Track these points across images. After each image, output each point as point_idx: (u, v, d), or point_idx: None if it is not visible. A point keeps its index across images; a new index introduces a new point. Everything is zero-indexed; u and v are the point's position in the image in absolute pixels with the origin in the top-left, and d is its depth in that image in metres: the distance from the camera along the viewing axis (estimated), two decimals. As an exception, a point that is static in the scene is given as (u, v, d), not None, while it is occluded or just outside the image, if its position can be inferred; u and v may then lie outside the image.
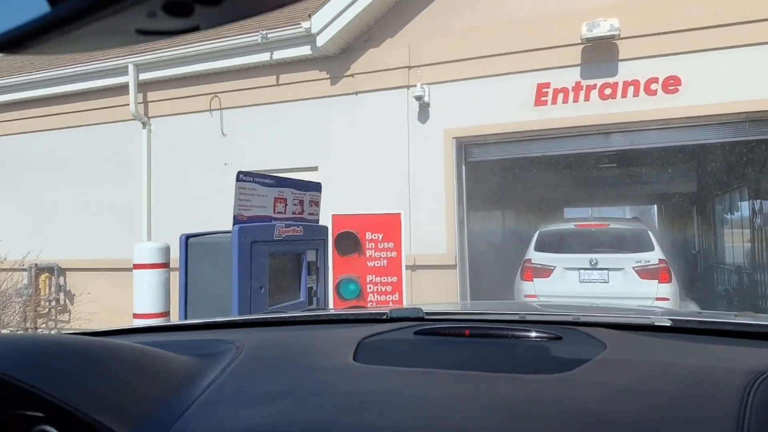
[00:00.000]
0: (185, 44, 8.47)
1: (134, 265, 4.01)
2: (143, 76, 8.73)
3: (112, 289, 8.50)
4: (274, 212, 3.48)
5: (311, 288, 3.68)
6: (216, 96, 8.49)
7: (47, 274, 9.43)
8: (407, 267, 7.25)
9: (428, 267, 7.29)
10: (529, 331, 1.25)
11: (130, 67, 8.64)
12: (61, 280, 9.52)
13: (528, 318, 1.48)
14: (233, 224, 3.06)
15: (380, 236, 5.40)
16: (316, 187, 4.07)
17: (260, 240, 3.13)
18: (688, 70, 6.39)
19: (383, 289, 5.39)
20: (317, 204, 4.03)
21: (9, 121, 9.91)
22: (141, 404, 0.88)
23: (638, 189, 14.21)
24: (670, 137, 6.93)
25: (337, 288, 5.26)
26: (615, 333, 1.25)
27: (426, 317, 1.45)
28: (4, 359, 0.84)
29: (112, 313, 7.67)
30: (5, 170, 9.99)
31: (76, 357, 0.92)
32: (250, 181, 3.27)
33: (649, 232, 7.49)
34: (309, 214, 3.90)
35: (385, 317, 1.48)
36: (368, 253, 5.39)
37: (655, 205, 19.50)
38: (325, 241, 3.90)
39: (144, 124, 8.90)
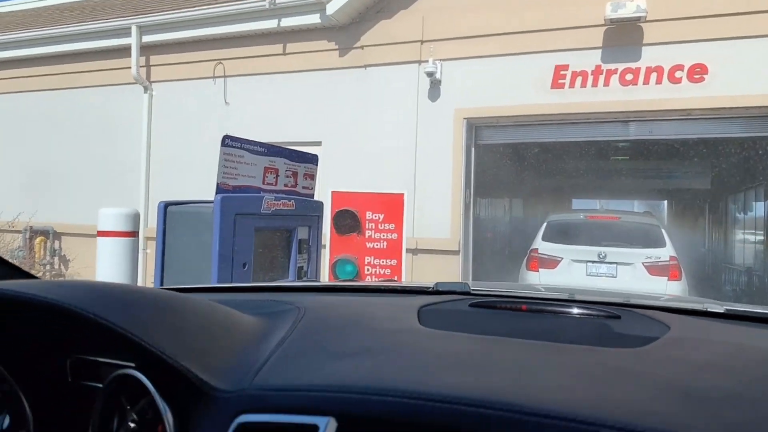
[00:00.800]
0: (190, 7, 8.15)
1: (98, 231, 3.75)
2: (146, 39, 8.42)
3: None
4: (264, 183, 3.21)
5: (301, 267, 3.41)
6: (220, 63, 8.19)
7: (42, 237, 9.24)
8: (409, 250, 7.00)
9: (430, 251, 7.03)
10: (585, 308, 1.23)
11: (133, 29, 8.33)
12: (56, 244, 9.33)
13: (579, 298, 1.45)
14: (216, 193, 2.80)
15: (381, 216, 5.13)
16: (312, 159, 3.77)
17: (245, 212, 2.86)
18: (716, 59, 6.04)
19: (382, 272, 5.13)
20: (312, 177, 3.74)
21: (7, 78, 9.64)
22: (222, 355, 0.89)
23: (650, 183, 13.84)
24: (690, 129, 6.60)
25: (333, 268, 5.01)
26: (672, 315, 1.23)
27: (473, 291, 1.45)
28: (96, 303, 0.84)
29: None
30: (2, 129, 9.74)
31: (160, 307, 0.94)
32: (237, 147, 2.99)
33: (661, 227, 7.27)
34: (303, 187, 3.61)
35: (430, 289, 1.48)
36: (368, 233, 5.12)
37: (666, 201, 19.13)
38: (320, 218, 3.62)
39: (145, 89, 8.61)
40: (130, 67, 8.41)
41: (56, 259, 9.32)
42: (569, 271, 6.89)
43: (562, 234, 7.26)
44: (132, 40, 8.34)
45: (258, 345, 0.95)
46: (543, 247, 7.14)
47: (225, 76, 8.19)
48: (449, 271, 6.91)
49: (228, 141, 2.96)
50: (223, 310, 1.06)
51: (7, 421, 0.90)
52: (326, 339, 1.01)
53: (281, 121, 7.76)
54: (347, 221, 5.00)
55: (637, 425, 0.68)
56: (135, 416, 0.85)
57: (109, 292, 0.93)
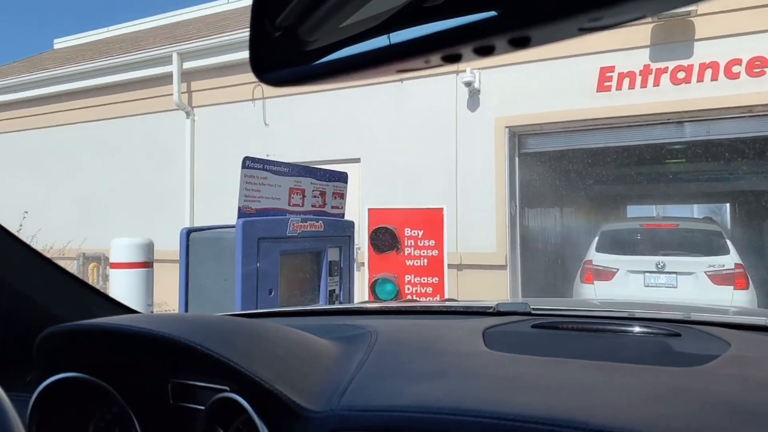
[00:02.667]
0: (228, 31, 8.24)
1: (111, 264, 3.69)
2: (187, 65, 8.57)
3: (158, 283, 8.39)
4: (290, 205, 3.07)
5: (333, 291, 3.25)
6: (259, 85, 8.21)
7: (95, 263, 9.46)
8: (453, 266, 6.77)
9: (475, 267, 6.77)
10: (645, 327, 1.26)
11: (174, 56, 8.48)
12: (108, 270, 9.53)
13: (638, 316, 1.46)
14: (237, 218, 2.68)
15: (420, 233, 4.93)
16: (341, 177, 3.63)
17: (270, 236, 2.73)
18: (777, 50, 5.61)
19: (423, 291, 4.93)
20: (342, 196, 3.58)
21: (61, 111, 9.99)
22: (310, 378, 0.95)
23: (710, 186, 13.11)
24: (752, 127, 6.14)
25: (372, 288, 4.84)
26: (733, 332, 1.22)
27: (533, 312, 1.47)
28: (197, 333, 0.92)
29: (156, 308, 7.54)
30: (54, 161, 10.08)
31: (254, 336, 1.02)
32: (259, 169, 2.87)
33: (723, 234, 6.89)
34: (332, 207, 3.46)
35: (492, 310, 1.51)
36: (407, 250, 4.93)
37: (728, 204, 18.16)
38: (351, 237, 3.46)
39: (187, 114, 8.74)
40: (172, 94, 8.56)
41: (108, 284, 9.51)
42: (626, 282, 6.55)
43: (617, 244, 6.94)
44: (173, 68, 8.49)
45: (340, 368, 1.02)
46: (597, 258, 6.83)
47: (264, 98, 8.22)
48: (497, 287, 6.64)
49: (249, 162, 2.85)
50: (305, 336, 1.14)
51: None
52: (401, 362, 1.06)
53: (320, 140, 7.71)
54: (385, 239, 4.83)
55: None
56: None
57: (209, 324, 1.03)
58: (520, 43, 0.36)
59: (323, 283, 3.19)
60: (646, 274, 6.54)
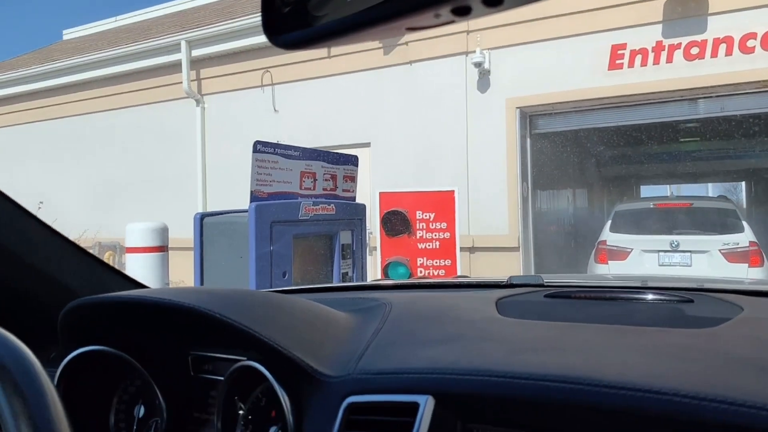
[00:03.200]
0: (235, 18, 8.22)
1: (126, 248, 3.73)
2: (195, 53, 8.56)
3: (171, 269, 8.48)
4: (301, 188, 3.08)
5: (345, 273, 3.26)
6: (267, 71, 8.21)
7: (111, 252, 9.56)
8: (465, 249, 6.76)
9: (488, 249, 6.76)
10: (658, 294, 1.27)
11: (183, 44, 8.48)
12: (123, 258, 9.63)
13: (651, 285, 1.47)
14: (250, 201, 2.70)
15: (432, 215, 4.93)
16: (352, 160, 3.62)
17: (282, 220, 2.74)
18: (793, 23, 5.50)
19: (435, 273, 4.93)
20: (353, 179, 3.58)
21: (68, 103, 10.05)
22: (327, 345, 0.98)
23: (725, 164, 12.95)
24: (767, 102, 6.04)
25: (385, 271, 4.86)
26: (746, 297, 1.23)
27: (546, 284, 1.49)
28: (216, 303, 0.95)
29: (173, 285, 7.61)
30: (67, 152, 10.16)
31: (272, 307, 1.05)
32: (270, 153, 2.88)
33: (738, 211, 6.87)
34: (343, 190, 3.46)
35: (505, 283, 1.52)
36: (419, 233, 4.93)
37: (744, 182, 17.93)
38: (363, 221, 3.46)
39: (197, 102, 8.76)
40: (181, 82, 8.57)
41: (125, 271, 9.61)
42: (640, 262, 6.57)
43: (630, 224, 6.96)
44: (182, 56, 8.49)
45: (356, 336, 1.05)
46: (611, 238, 6.85)
47: (273, 84, 8.21)
48: (509, 269, 6.63)
49: (260, 147, 2.85)
50: (322, 307, 1.16)
51: (142, 410, 1.04)
52: (415, 329, 1.08)
53: (330, 125, 7.69)
54: (397, 222, 4.83)
55: (707, 394, 0.70)
56: (251, 404, 0.96)
57: (228, 294, 1.05)
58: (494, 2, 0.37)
59: (336, 266, 3.20)
60: (660, 254, 6.55)
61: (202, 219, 2.86)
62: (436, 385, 0.83)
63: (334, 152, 3.49)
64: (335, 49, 7.70)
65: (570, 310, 1.26)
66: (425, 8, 0.40)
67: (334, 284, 1.84)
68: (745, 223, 6.60)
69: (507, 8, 0.38)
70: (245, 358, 0.93)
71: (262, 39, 8.02)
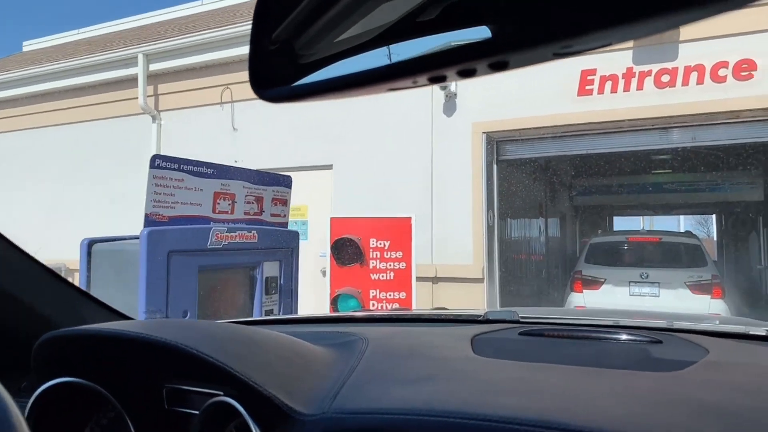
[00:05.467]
0: (196, 32, 7.88)
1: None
2: (153, 67, 8.18)
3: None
4: (215, 212, 2.68)
5: (270, 312, 2.86)
6: (227, 87, 7.85)
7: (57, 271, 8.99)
8: (427, 279, 6.41)
9: (452, 279, 6.41)
10: (629, 334, 1.30)
11: (140, 57, 8.10)
12: (69, 280, 9.06)
13: (622, 323, 1.49)
14: (144, 226, 2.30)
15: (387, 244, 4.57)
16: (284, 181, 3.23)
17: (184, 249, 2.34)
18: (766, 53, 5.33)
19: (389, 307, 4.55)
20: (285, 203, 3.19)
21: (22, 115, 9.55)
22: (303, 382, 0.98)
23: (697, 197, 12.87)
24: (739, 133, 5.86)
25: (334, 304, 4.47)
26: (712, 339, 1.26)
27: (521, 320, 1.49)
28: (192, 339, 0.94)
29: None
30: (15, 165, 9.63)
31: (246, 341, 1.04)
32: (173, 169, 2.49)
33: (702, 247, 7.50)
34: (272, 215, 3.07)
35: (481, 318, 1.53)
36: (372, 263, 4.56)
37: (714, 215, 17.99)
38: (295, 250, 3.07)
39: (154, 118, 8.35)
40: (137, 98, 8.16)
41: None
42: (613, 291, 7.05)
43: (605, 255, 7.51)
44: (139, 69, 8.10)
45: (332, 372, 1.04)
46: (586, 268, 7.35)
47: (233, 101, 7.85)
48: (473, 302, 6.28)
49: (159, 162, 2.47)
50: (298, 342, 1.14)
51: None
52: (390, 367, 1.08)
53: (290, 146, 7.34)
54: (348, 251, 4.46)
55: None
56: None
57: (204, 330, 1.05)
58: (499, 66, 0.40)
59: (257, 303, 2.78)
60: (631, 284, 7.03)
61: (90, 246, 2.45)
62: (409, 426, 0.85)
63: (261, 171, 3.12)
64: (298, 67, 7.39)
65: (543, 350, 1.27)
66: (406, 77, 0.43)
67: (310, 315, 1.85)
68: (708, 258, 7.22)
69: (479, 76, 0.41)
70: (221, 393, 0.93)
71: (222, 54, 7.71)
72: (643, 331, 1.33)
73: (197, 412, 0.93)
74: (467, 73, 0.39)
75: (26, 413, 0.91)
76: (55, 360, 0.99)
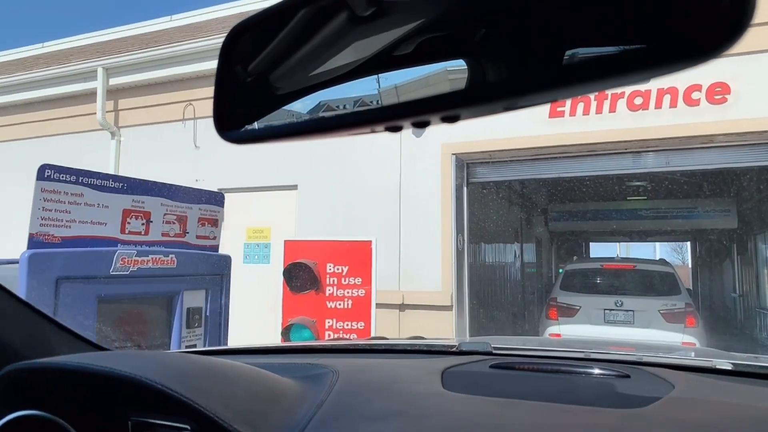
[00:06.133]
0: (158, 46, 7.59)
1: None
2: (113, 81, 7.86)
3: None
4: (124, 232, 2.36)
5: (193, 346, 2.52)
6: (190, 104, 7.55)
7: None
8: (394, 306, 6.12)
9: (419, 307, 6.12)
10: (598, 368, 1.32)
11: (99, 71, 7.77)
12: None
13: (593, 356, 1.51)
14: (27, 248, 1.97)
15: (345, 269, 4.26)
16: (215, 198, 2.90)
17: (78, 275, 2.00)
18: (739, 76, 5.19)
19: (347, 338, 4.23)
20: (215, 224, 2.87)
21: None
22: (269, 418, 0.97)
23: (672, 223, 12.81)
24: (713, 158, 5.71)
25: (286, 335, 4.13)
26: (679, 374, 1.29)
27: (494, 351, 1.51)
28: (156, 372, 0.94)
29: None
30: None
31: (211, 374, 1.04)
32: (69, 182, 2.16)
33: (676, 275, 7.50)
34: (199, 237, 2.74)
35: (455, 350, 1.54)
36: (328, 290, 4.25)
37: (689, 242, 18.00)
38: (226, 277, 2.73)
39: (113, 135, 7.99)
40: (95, 113, 7.81)
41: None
42: (587, 319, 7.03)
43: (579, 283, 7.51)
44: (98, 84, 7.77)
45: (299, 408, 1.03)
46: (561, 296, 7.33)
47: (195, 118, 7.54)
48: (441, 331, 5.97)
49: (50, 172, 2.13)
50: (267, 375, 1.12)
51: None
52: (359, 403, 1.08)
53: (254, 165, 7.04)
54: (302, 277, 4.14)
55: None
56: None
57: (169, 363, 1.06)
58: (451, 119, 0.43)
59: (175, 337, 2.43)
60: (606, 311, 7.03)
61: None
62: None
63: (185, 187, 2.80)
64: (263, 84, 7.13)
65: (513, 384, 1.27)
66: (365, 125, 0.45)
67: (280, 345, 1.85)
68: (682, 286, 7.26)
69: (432, 125, 0.45)
70: (187, 427, 0.92)
71: (184, 69, 7.41)
72: (613, 364, 1.35)
73: None
74: (421, 124, 0.43)
75: None
76: (19, 392, 0.98)
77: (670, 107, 5.42)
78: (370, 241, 4.32)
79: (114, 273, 2.14)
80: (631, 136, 5.54)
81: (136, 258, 2.23)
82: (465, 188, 6.40)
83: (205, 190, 2.91)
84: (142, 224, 2.42)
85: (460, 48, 0.42)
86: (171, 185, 2.67)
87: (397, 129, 0.43)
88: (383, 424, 0.96)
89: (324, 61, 0.46)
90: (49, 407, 0.95)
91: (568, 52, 0.39)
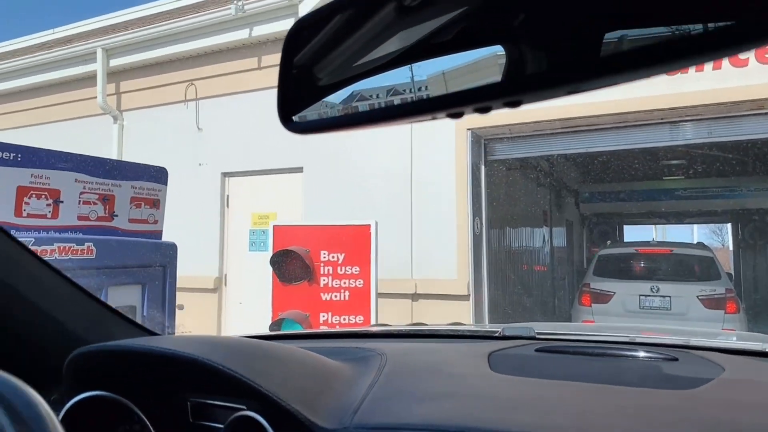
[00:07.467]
0: (158, 22, 7.20)
1: None
2: (114, 63, 7.52)
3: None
4: (19, 215, 1.90)
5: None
6: (192, 84, 7.16)
7: None
8: (407, 296, 5.66)
9: (433, 296, 5.64)
10: (644, 352, 1.30)
11: (99, 52, 7.44)
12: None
13: (638, 340, 1.50)
14: None
15: (341, 257, 3.80)
16: (153, 173, 2.39)
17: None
18: (794, 30, 4.52)
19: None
20: (155, 204, 2.38)
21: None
22: (324, 398, 0.99)
23: (711, 203, 11.99)
24: (763, 127, 5.05)
25: (276, 331, 3.69)
26: (728, 357, 1.27)
27: (537, 336, 1.50)
28: (218, 354, 0.97)
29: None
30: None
31: (272, 358, 1.08)
32: None
33: (715, 259, 7.21)
34: (133, 221, 2.28)
35: (498, 335, 1.55)
36: (323, 281, 3.79)
37: (730, 224, 17.02)
38: (169, 268, 2.27)
39: (115, 119, 7.67)
40: (96, 97, 7.49)
41: None
42: (622, 305, 6.82)
43: (613, 268, 7.26)
44: (98, 66, 7.43)
45: (351, 388, 1.06)
46: (595, 282, 7.12)
47: (197, 99, 7.15)
48: (457, 320, 5.48)
49: None
50: (318, 357, 1.16)
51: None
52: (409, 383, 1.11)
53: (257, 147, 6.62)
54: (293, 266, 3.69)
55: None
56: None
57: (229, 346, 1.08)
58: (513, 104, 0.42)
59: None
60: (642, 297, 6.77)
61: None
62: None
63: (111, 160, 2.33)
64: (266, 60, 6.67)
65: (559, 367, 1.26)
66: (425, 113, 0.45)
67: (329, 330, 1.69)
68: (721, 271, 6.94)
69: (494, 110, 0.43)
70: (244, 407, 0.94)
71: (185, 47, 6.98)
72: (659, 348, 1.34)
73: (221, 426, 0.95)
74: (484, 110, 0.43)
75: None
76: (86, 374, 1.00)
77: (713, 69, 4.78)
78: (369, 225, 3.84)
79: None
80: (668, 103, 4.91)
81: (34, 247, 1.79)
82: (482, 167, 5.86)
83: (141, 164, 2.43)
84: (48, 205, 1.96)
85: (500, 34, 0.41)
86: (92, 157, 2.20)
87: (458, 115, 0.44)
88: (435, 404, 0.98)
89: (370, 51, 0.48)
90: (113, 388, 0.97)
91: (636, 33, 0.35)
